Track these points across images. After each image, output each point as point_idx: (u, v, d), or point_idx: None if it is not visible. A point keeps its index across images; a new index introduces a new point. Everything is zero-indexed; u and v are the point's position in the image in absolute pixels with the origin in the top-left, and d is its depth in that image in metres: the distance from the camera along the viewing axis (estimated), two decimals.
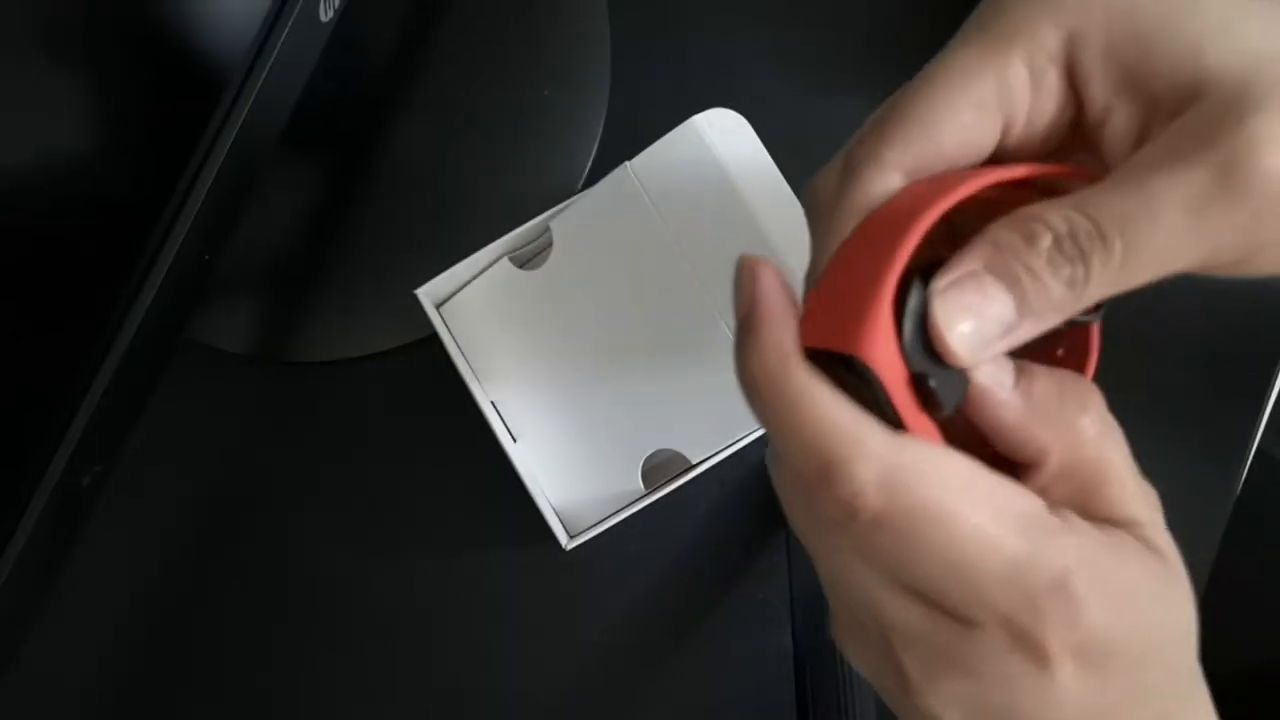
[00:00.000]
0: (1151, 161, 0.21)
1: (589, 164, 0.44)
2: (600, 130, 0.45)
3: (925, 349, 0.21)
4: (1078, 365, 0.25)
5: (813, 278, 0.24)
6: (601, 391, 0.40)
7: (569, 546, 0.38)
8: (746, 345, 0.22)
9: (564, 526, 0.39)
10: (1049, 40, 0.23)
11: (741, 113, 0.40)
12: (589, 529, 0.39)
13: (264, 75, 0.33)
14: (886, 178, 0.23)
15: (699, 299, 0.40)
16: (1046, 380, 0.23)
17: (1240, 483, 0.43)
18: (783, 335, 0.22)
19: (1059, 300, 0.21)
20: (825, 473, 0.21)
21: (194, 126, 0.33)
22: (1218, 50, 0.21)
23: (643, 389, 0.40)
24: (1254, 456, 0.43)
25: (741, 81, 0.45)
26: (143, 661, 0.45)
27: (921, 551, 0.21)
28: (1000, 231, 0.22)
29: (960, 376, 0.22)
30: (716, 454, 0.39)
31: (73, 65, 0.29)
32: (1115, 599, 0.22)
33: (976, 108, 0.23)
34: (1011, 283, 0.21)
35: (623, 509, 0.39)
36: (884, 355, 0.21)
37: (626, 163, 0.40)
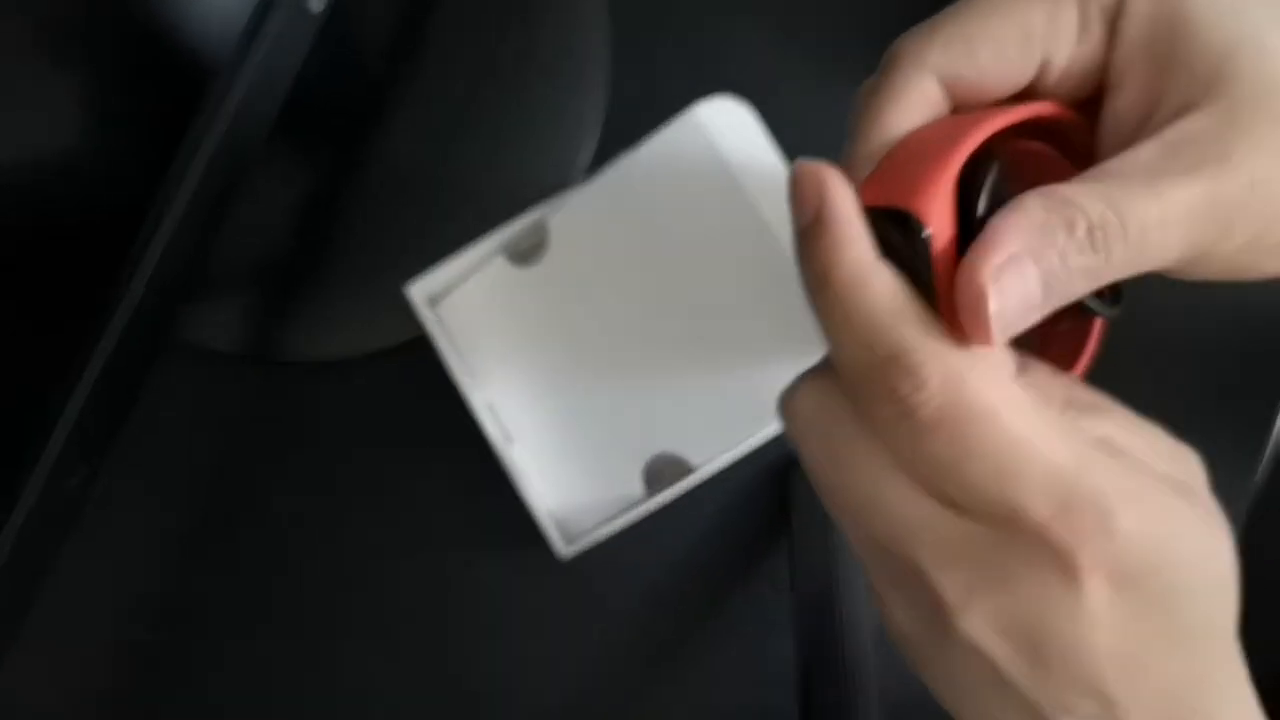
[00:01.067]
0: (1162, 164, 0.22)
1: (588, 155, 0.44)
2: (599, 120, 0.44)
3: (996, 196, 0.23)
4: (1077, 345, 0.27)
5: (850, 160, 0.25)
6: (600, 392, 0.40)
7: (566, 554, 0.38)
8: (820, 237, 0.23)
9: (561, 533, 0.39)
10: None
11: (745, 100, 0.40)
12: (586, 536, 0.38)
13: (253, 67, 0.33)
14: (924, 77, 0.24)
15: (701, 295, 0.39)
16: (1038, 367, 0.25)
17: (1258, 479, 0.42)
18: (853, 224, 0.23)
19: (1078, 288, 0.23)
20: (891, 363, 0.22)
21: (181, 120, 0.32)
22: (1248, 54, 0.22)
23: (643, 390, 0.39)
24: (1272, 453, 0.43)
25: (745, 68, 0.45)
26: (135, 664, 0.45)
27: (972, 453, 0.22)
28: (1041, 211, 0.22)
29: None
30: (719, 457, 0.38)
31: (56, 57, 0.29)
32: (1154, 525, 0.22)
33: (1023, 38, 0.24)
34: (1046, 269, 0.22)
35: (623, 515, 0.38)
36: (943, 227, 0.22)
37: (626, 154, 0.40)
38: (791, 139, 0.40)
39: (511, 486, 0.38)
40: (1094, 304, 0.24)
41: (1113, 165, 0.23)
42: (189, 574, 0.45)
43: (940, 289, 0.22)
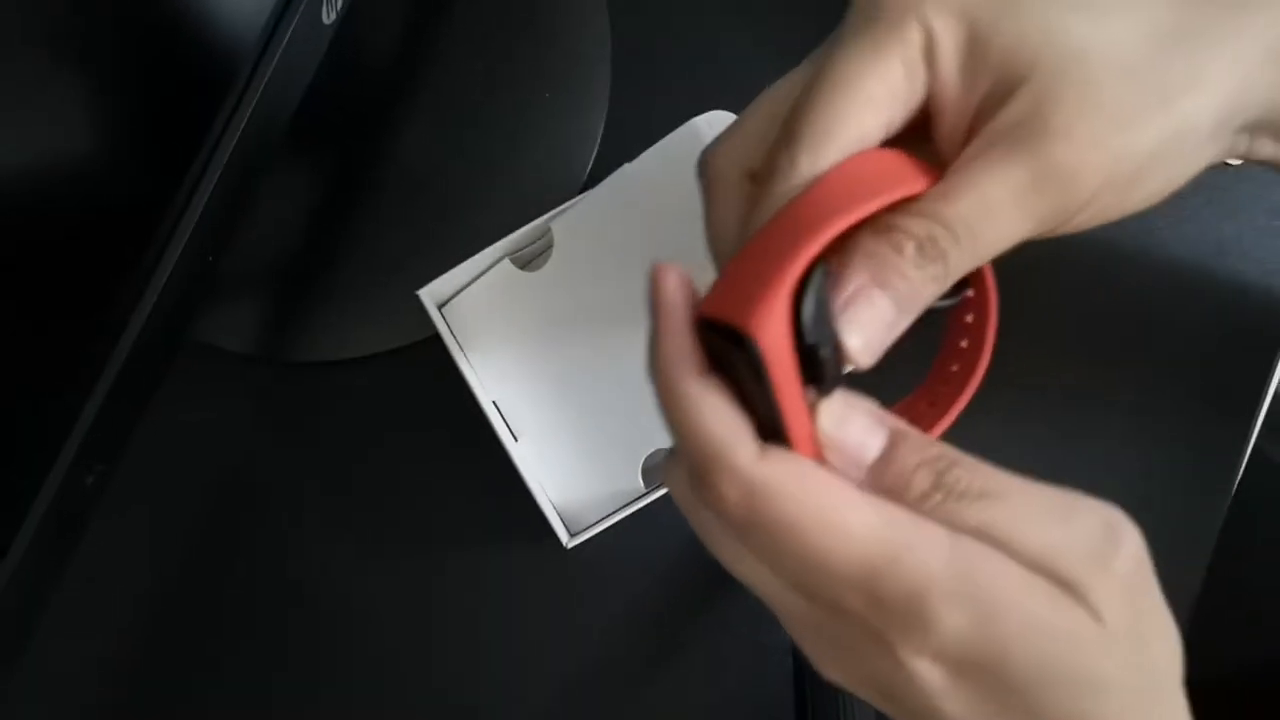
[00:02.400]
0: (980, 162, 0.24)
1: (589, 166, 0.45)
2: (600, 132, 0.45)
3: (820, 327, 0.23)
4: (982, 320, 0.28)
5: (714, 247, 0.28)
6: (602, 391, 0.40)
7: (570, 545, 0.39)
8: (650, 346, 0.24)
9: (565, 525, 0.39)
10: (915, 36, 0.25)
11: None
12: (589, 527, 0.39)
13: (267, 77, 0.33)
14: (798, 182, 0.25)
15: None
16: (905, 456, 0.25)
17: (1236, 482, 0.43)
18: (677, 341, 0.24)
19: (928, 294, 0.24)
20: (699, 477, 0.23)
21: (198, 128, 0.33)
22: (1041, 39, 0.24)
23: (642, 388, 0.39)
24: (1250, 455, 0.43)
25: (742, 83, 0.45)
26: (146, 659, 0.45)
27: (781, 552, 0.23)
28: (871, 244, 0.24)
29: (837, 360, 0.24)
30: None
31: (76, 67, 0.29)
32: (991, 623, 0.22)
33: (870, 109, 0.25)
34: (891, 290, 0.24)
35: (623, 508, 0.39)
36: (774, 339, 0.23)
37: (626, 165, 0.40)
38: None
39: (518, 481, 0.39)
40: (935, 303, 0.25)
41: (945, 180, 0.25)
42: (201, 568, 0.45)
43: (783, 394, 0.23)
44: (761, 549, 0.23)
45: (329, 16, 0.36)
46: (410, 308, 0.40)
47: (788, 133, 0.26)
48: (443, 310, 0.41)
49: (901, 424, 0.25)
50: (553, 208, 0.41)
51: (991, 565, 0.22)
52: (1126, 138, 0.24)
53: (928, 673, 0.23)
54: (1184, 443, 0.43)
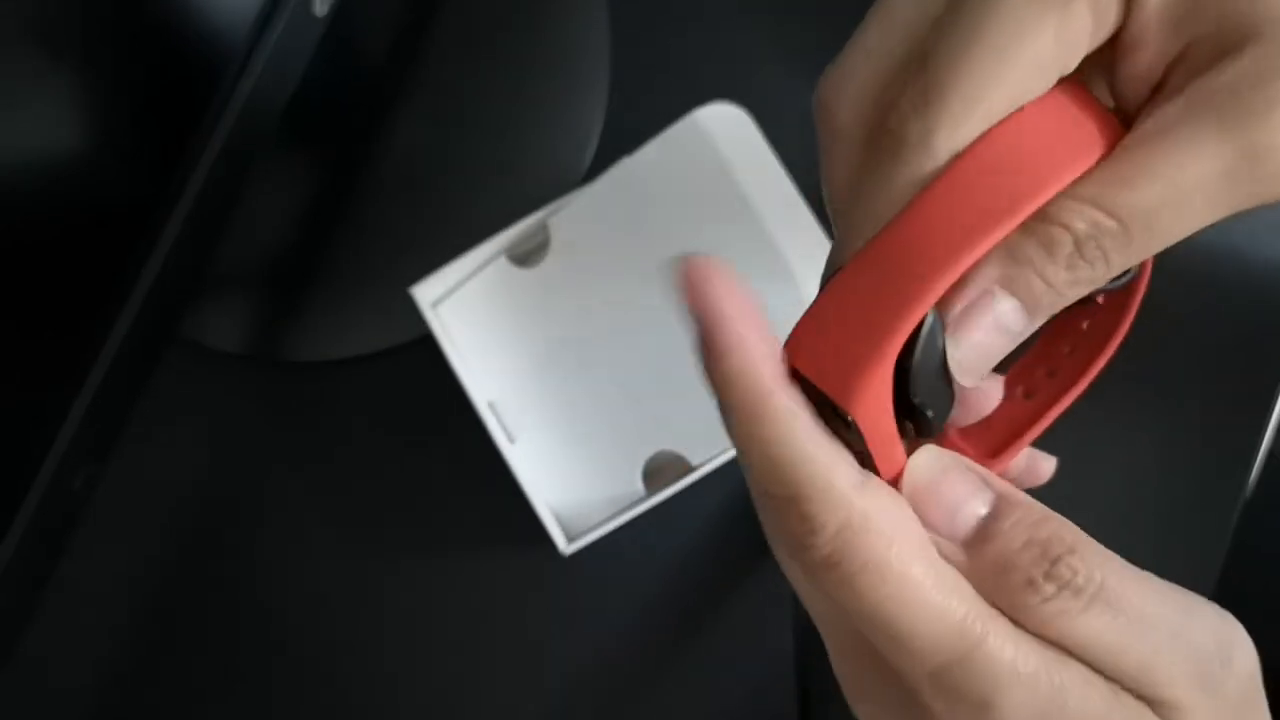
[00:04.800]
0: (1179, 134, 0.20)
1: (588, 159, 0.44)
2: (599, 125, 0.44)
3: (930, 378, 0.20)
4: (1121, 308, 0.24)
5: (836, 209, 0.23)
6: (600, 392, 0.40)
7: (567, 551, 0.38)
8: (719, 355, 0.20)
9: (562, 530, 0.39)
10: None
11: (744, 106, 0.40)
12: (588, 533, 0.39)
13: (258, 70, 0.33)
14: (930, 167, 0.21)
15: None
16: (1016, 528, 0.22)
17: (1250, 484, 0.43)
18: (760, 350, 0.20)
19: (1070, 298, 0.21)
20: (786, 504, 0.20)
21: (187, 122, 0.32)
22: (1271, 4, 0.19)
23: (643, 389, 0.40)
24: (1264, 458, 0.43)
25: (744, 75, 0.45)
26: (135, 663, 0.45)
27: (861, 600, 0.20)
28: (1019, 241, 0.20)
29: (950, 395, 0.21)
30: (719, 456, 0.39)
31: (63, 59, 0.29)
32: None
33: (1035, 72, 0.20)
34: (1026, 295, 0.20)
35: (622, 513, 0.39)
36: (873, 410, 0.20)
37: (626, 158, 0.40)
38: (790, 145, 0.40)
39: (513, 484, 0.39)
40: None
41: (1126, 152, 0.20)
42: (193, 571, 0.45)
43: (879, 459, 0.20)
44: (834, 591, 0.20)
45: (321, 9, 0.36)
46: (404, 306, 0.40)
47: (924, 91, 0.20)
48: (437, 308, 0.40)
49: (1009, 488, 0.21)
50: (550, 202, 0.41)
51: (1077, 687, 0.20)
52: None
53: None
54: (1196, 445, 0.43)
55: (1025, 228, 0.20)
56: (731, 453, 0.39)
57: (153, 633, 0.45)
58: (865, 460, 0.21)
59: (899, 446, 0.21)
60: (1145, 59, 0.21)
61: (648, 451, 0.40)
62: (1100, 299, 0.25)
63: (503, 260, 0.41)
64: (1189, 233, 0.20)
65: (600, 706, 0.43)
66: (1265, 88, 0.19)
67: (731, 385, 0.20)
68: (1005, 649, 0.20)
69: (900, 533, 0.20)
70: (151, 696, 0.44)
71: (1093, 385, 0.25)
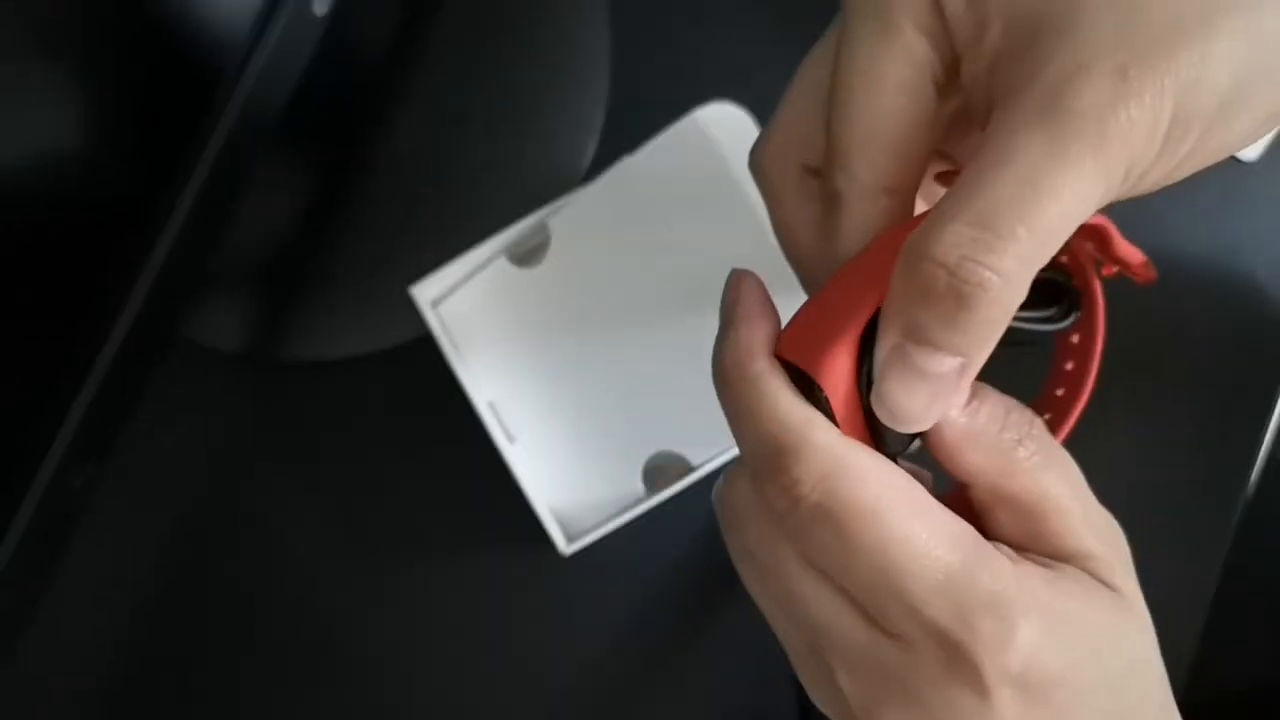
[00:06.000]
0: (1008, 126, 0.20)
1: (589, 159, 0.44)
2: (600, 124, 0.44)
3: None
4: (1089, 340, 0.26)
5: (789, 253, 0.26)
6: (601, 392, 0.40)
7: (567, 552, 0.38)
8: (721, 338, 0.24)
9: (562, 531, 0.39)
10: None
11: (745, 106, 0.40)
12: (588, 533, 0.39)
13: (258, 70, 0.33)
14: (869, 206, 0.23)
15: (700, 297, 0.39)
16: (994, 405, 0.23)
17: (1250, 484, 0.43)
18: (754, 331, 0.23)
19: (991, 322, 0.20)
20: (773, 460, 0.22)
21: (187, 122, 0.33)
22: None
23: (643, 389, 0.40)
24: (1265, 459, 0.43)
25: (744, 75, 0.45)
26: (133, 663, 0.45)
27: (856, 548, 0.21)
28: (897, 287, 0.21)
29: None
30: (719, 456, 0.39)
31: (63, 60, 0.29)
32: (1054, 627, 0.22)
33: (909, 94, 0.22)
34: (933, 343, 0.21)
35: (622, 513, 0.39)
36: (839, 388, 0.22)
37: (627, 157, 0.40)
38: None
39: (513, 485, 0.39)
40: (1028, 325, 0.24)
41: (971, 163, 0.20)
42: (193, 571, 0.45)
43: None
44: (830, 548, 0.22)
45: (321, 8, 0.36)
46: (404, 305, 0.39)
47: (832, 150, 0.23)
48: (437, 308, 0.40)
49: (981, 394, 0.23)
50: (550, 202, 0.41)
51: (1058, 582, 0.22)
52: (1191, 56, 0.19)
53: (1007, 706, 0.21)
54: (1196, 445, 0.43)
55: (901, 274, 0.21)
56: (732, 452, 0.39)
57: (152, 632, 0.45)
58: None
59: (864, 429, 0.23)
60: (968, 73, 0.22)
61: (648, 452, 0.39)
62: (1074, 338, 0.26)
63: (503, 260, 0.41)
64: (1082, 216, 0.20)
65: (600, 706, 0.43)
66: (1067, 54, 0.19)
67: (723, 357, 0.23)
68: (996, 559, 0.22)
69: (890, 479, 0.22)
70: (149, 695, 0.44)
71: (1094, 389, 0.26)
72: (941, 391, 0.21)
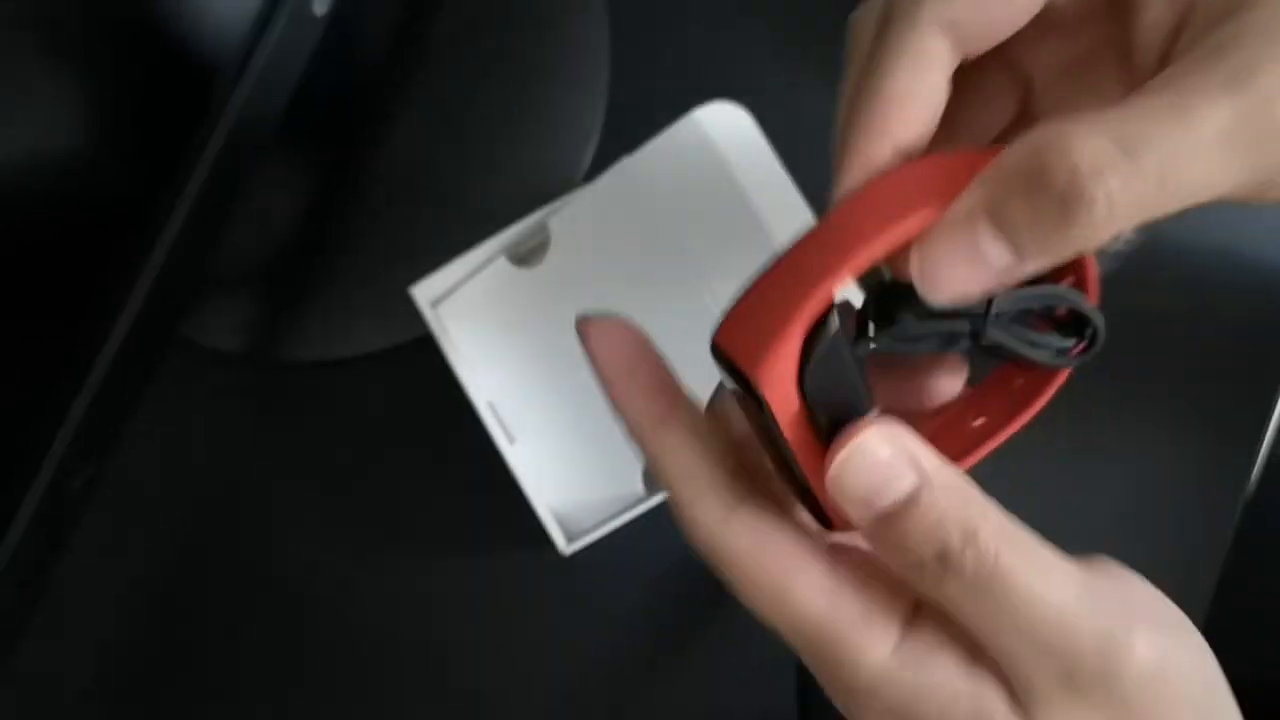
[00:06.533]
0: (1183, 85, 0.19)
1: (589, 158, 0.44)
2: (600, 124, 0.44)
3: (827, 378, 0.22)
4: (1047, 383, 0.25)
5: (847, 108, 0.23)
6: (600, 391, 0.40)
7: (567, 551, 0.38)
8: (615, 409, 0.24)
9: (562, 531, 0.39)
10: None
11: (744, 105, 0.40)
12: (588, 533, 0.38)
13: (258, 70, 0.33)
14: (927, 40, 0.22)
15: (700, 297, 0.39)
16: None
17: (1250, 484, 0.43)
18: (644, 405, 0.24)
19: (1060, 239, 0.19)
20: (688, 526, 0.24)
21: (187, 122, 0.33)
22: None
23: None
24: (1264, 458, 0.43)
25: (744, 74, 0.45)
26: (133, 663, 0.45)
27: (748, 601, 0.24)
28: (1008, 162, 0.19)
29: (863, 408, 0.22)
30: None
31: (63, 60, 0.29)
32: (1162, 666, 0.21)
33: (942, 73, 0.22)
34: (1008, 229, 0.19)
35: (622, 513, 0.39)
36: (779, 383, 0.21)
37: (626, 157, 0.40)
38: (790, 143, 0.40)
39: (513, 485, 0.39)
40: (1040, 355, 0.23)
41: (1135, 94, 0.20)
42: (193, 571, 0.45)
43: (794, 443, 0.22)
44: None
45: (320, 8, 0.36)
46: (404, 305, 0.39)
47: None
48: (437, 308, 0.40)
49: (941, 465, 0.21)
50: (550, 202, 0.40)
51: (934, 677, 0.22)
52: None
53: None
54: (1196, 445, 0.43)
55: (1024, 156, 0.19)
56: None
57: (152, 632, 0.45)
58: (778, 442, 0.22)
59: (809, 429, 0.22)
60: (1150, 22, 0.21)
61: None
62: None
63: (503, 260, 0.41)
64: (1192, 198, 0.20)
65: (600, 706, 0.43)
66: (1271, 40, 0.19)
67: (628, 429, 0.24)
68: (866, 634, 0.22)
69: (763, 557, 0.23)
70: (150, 694, 0.44)
71: (1068, 392, 0.25)
72: (977, 276, 0.20)
